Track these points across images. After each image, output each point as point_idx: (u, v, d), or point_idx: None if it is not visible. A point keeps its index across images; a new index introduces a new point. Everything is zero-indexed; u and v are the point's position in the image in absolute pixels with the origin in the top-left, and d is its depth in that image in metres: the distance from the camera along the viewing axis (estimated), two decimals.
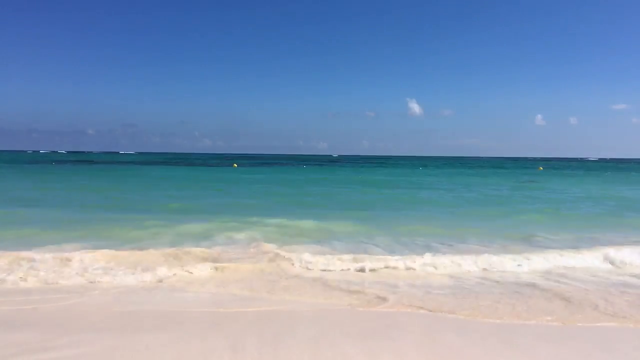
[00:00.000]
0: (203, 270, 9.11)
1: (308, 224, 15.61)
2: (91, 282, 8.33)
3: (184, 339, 5.75)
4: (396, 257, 9.91)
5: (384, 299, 7.63)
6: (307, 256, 9.74)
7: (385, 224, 15.81)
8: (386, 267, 9.48)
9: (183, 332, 6.01)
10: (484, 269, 9.66)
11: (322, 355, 5.32)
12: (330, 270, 9.28)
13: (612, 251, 10.48)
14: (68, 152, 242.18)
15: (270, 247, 11.41)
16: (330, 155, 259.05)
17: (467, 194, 30.12)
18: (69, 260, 9.32)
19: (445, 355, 5.42)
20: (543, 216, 19.17)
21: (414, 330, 6.20)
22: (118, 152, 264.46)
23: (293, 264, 9.50)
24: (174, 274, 8.86)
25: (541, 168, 68.03)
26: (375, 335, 5.97)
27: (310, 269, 9.30)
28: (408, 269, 9.46)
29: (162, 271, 8.81)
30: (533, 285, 8.58)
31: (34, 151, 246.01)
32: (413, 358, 5.31)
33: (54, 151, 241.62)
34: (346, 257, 9.85)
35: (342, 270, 9.34)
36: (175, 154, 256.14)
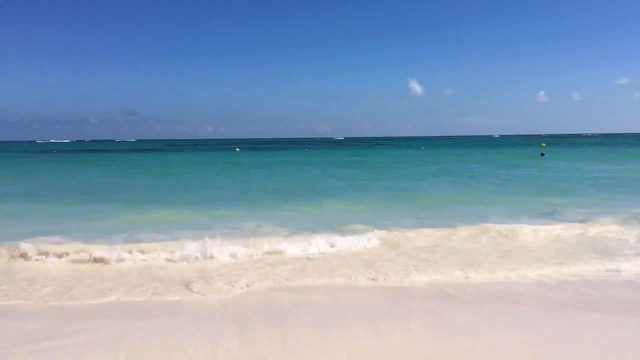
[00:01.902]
0: None
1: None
2: None
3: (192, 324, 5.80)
4: None
5: None
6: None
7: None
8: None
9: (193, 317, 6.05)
10: None
11: (329, 334, 5.36)
12: None
13: None
14: (60, 141, 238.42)
15: None
16: (332, 138, 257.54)
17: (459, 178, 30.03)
18: None
19: (451, 330, 5.45)
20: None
21: (421, 307, 6.24)
22: (114, 140, 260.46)
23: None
24: None
25: (544, 145, 68.24)
26: (382, 314, 6.01)
27: None
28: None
29: None
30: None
31: (29, 141, 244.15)
32: (419, 334, 5.35)
33: (48, 140, 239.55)
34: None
35: None
36: (176, 140, 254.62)
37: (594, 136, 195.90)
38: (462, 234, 10.90)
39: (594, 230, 11.13)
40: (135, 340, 5.24)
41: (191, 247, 9.06)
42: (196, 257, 8.86)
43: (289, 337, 5.29)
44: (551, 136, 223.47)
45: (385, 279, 7.63)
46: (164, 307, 6.48)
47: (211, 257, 8.87)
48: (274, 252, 9.28)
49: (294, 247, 9.52)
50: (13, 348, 5.08)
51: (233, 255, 8.97)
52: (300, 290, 7.20)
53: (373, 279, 7.64)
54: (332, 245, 9.68)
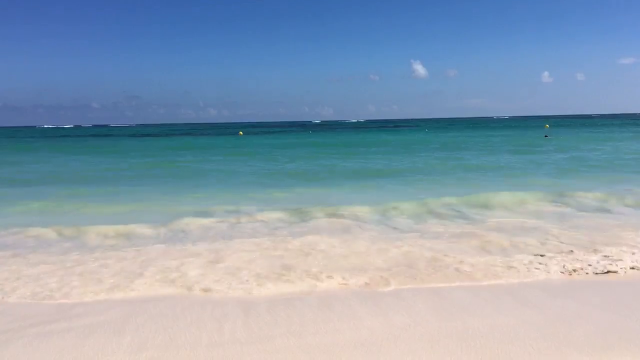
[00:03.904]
0: None
1: None
2: None
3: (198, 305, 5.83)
4: None
5: None
6: None
7: None
8: None
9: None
10: None
11: (334, 316, 5.38)
12: None
13: None
14: (51, 126, 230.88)
15: None
16: (337, 121, 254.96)
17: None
18: None
19: (454, 311, 5.45)
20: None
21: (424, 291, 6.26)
22: (108, 125, 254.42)
23: None
24: None
25: (547, 126, 67.72)
26: (386, 296, 6.03)
27: None
28: None
29: None
30: None
31: (26, 126, 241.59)
32: (423, 315, 5.36)
33: (33, 126, 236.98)
34: None
35: None
36: (178, 124, 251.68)
37: (598, 117, 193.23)
38: None
39: None
40: (140, 322, 5.28)
41: None
42: None
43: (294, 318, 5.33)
44: (559, 117, 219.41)
45: None
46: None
47: None
48: None
49: None
50: (19, 331, 5.12)
51: None
52: None
53: None
54: None
